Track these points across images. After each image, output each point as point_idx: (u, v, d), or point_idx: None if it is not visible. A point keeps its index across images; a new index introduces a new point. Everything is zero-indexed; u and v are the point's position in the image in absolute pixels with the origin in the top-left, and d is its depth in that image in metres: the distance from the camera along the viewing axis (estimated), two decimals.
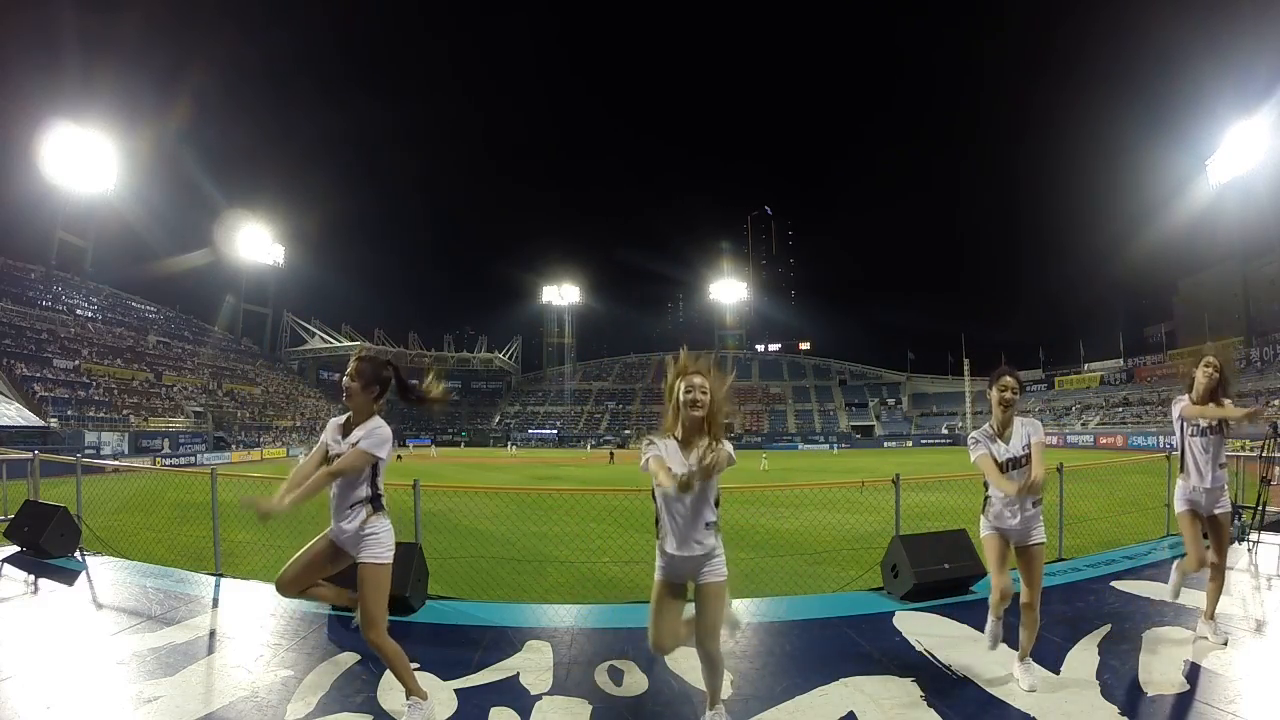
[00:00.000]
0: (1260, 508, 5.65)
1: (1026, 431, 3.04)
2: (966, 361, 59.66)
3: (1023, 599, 3.05)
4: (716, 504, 2.47)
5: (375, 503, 2.71)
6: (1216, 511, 3.55)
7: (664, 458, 2.37)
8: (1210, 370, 3.48)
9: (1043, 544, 3.05)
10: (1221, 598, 4.30)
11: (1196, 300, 56.57)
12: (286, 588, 2.75)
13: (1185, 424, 3.61)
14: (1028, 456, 3.00)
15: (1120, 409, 47.72)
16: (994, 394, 3.05)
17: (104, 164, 48.34)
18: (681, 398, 2.40)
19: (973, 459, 3.10)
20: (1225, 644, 3.46)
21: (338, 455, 2.66)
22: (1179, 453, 3.67)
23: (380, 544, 2.69)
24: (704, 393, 2.40)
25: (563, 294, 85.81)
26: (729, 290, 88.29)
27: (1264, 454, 6.12)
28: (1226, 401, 3.52)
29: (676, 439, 2.46)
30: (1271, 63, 44.68)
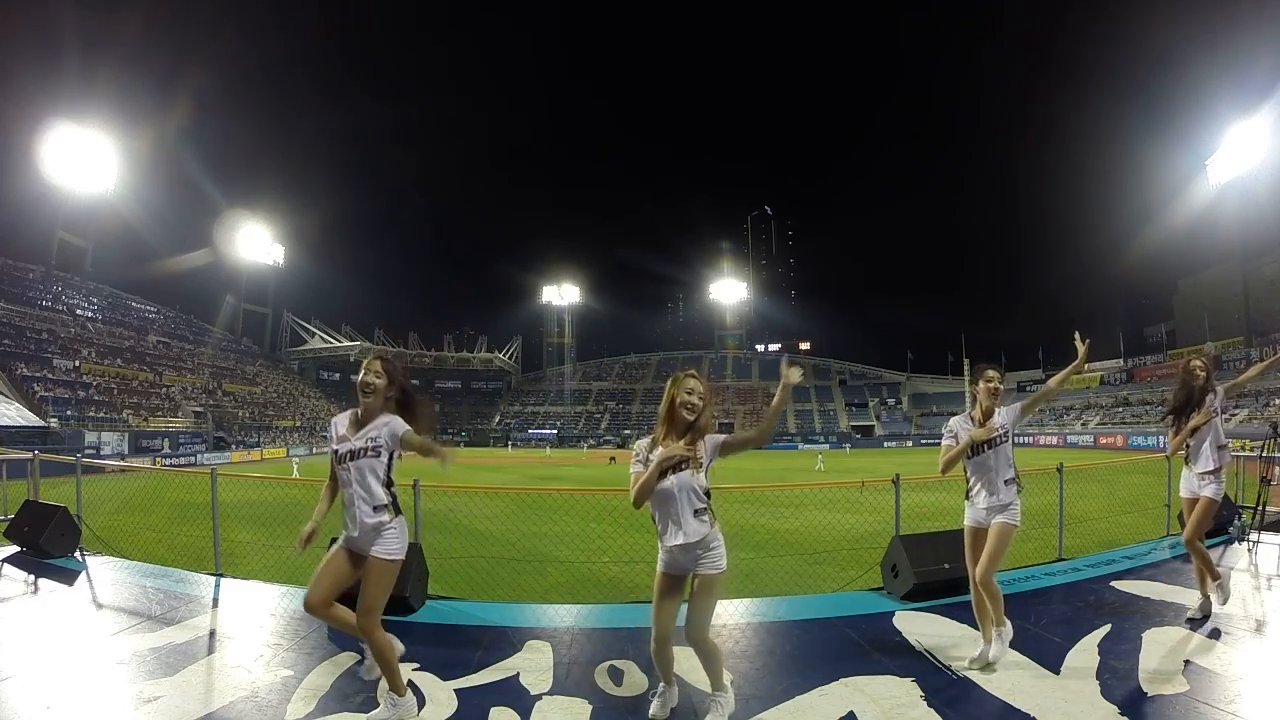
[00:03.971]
0: (1260, 508, 5.65)
1: (1005, 415, 3.35)
2: (966, 362, 59.60)
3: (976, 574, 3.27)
4: (707, 495, 2.61)
5: (394, 504, 2.75)
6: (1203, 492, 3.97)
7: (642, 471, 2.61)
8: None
9: (1005, 523, 3.23)
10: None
11: (1196, 300, 56.52)
12: (317, 609, 2.70)
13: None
14: (1002, 436, 3.31)
15: (1120, 409, 47.70)
16: (981, 385, 3.36)
17: (104, 164, 48.30)
18: (680, 399, 2.63)
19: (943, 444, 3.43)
20: (1225, 603, 3.87)
21: (352, 451, 2.69)
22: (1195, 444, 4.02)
23: (394, 539, 2.72)
24: (700, 399, 2.64)
25: (563, 294, 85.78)
26: (729, 290, 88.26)
27: (1264, 454, 6.12)
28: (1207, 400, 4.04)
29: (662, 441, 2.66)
30: (1271, 63, 44.69)
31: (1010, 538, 3.24)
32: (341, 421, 2.80)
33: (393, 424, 2.75)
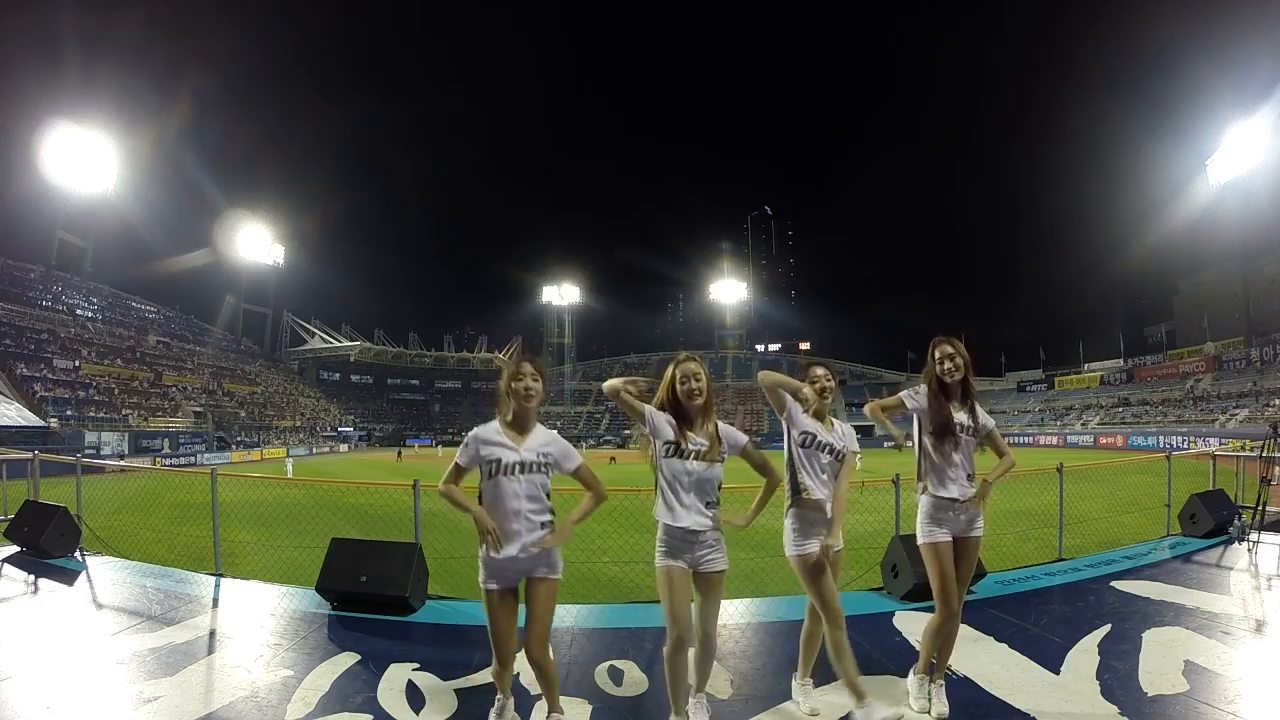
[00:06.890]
0: (1260, 508, 5.66)
1: (845, 432, 2.87)
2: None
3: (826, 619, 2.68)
4: (719, 486, 2.58)
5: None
6: (972, 534, 2.87)
7: (658, 428, 2.55)
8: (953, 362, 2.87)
9: (839, 551, 2.74)
10: (1221, 598, 4.30)
11: (1196, 300, 56.62)
12: (511, 661, 2.65)
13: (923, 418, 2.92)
14: (844, 453, 2.80)
15: (1120, 409, 47.70)
16: (807, 388, 2.80)
17: (104, 164, 48.27)
18: (678, 388, 2.56)
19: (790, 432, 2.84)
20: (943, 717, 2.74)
21: (522, 463, 2.50)
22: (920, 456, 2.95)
23: (558, 556, 2.58)
24: (698, 380, 2.56)
25: (563, 294, 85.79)
26: (729, 290, 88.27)
27: (1264, 454, 6.12)
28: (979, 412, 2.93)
29: (676, 422, 2.57)
30: (1271, 63, 44.73)
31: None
32: (491, 431, 2.57)
33: (567, 446, 2.65)
